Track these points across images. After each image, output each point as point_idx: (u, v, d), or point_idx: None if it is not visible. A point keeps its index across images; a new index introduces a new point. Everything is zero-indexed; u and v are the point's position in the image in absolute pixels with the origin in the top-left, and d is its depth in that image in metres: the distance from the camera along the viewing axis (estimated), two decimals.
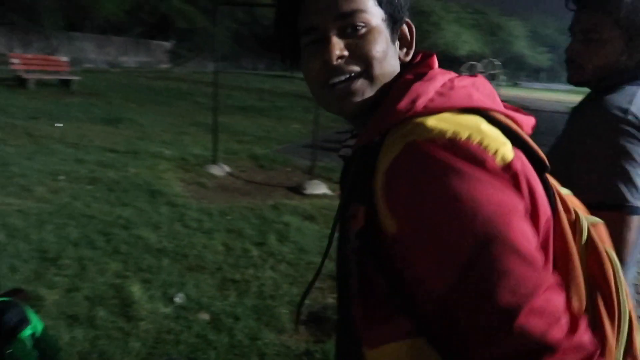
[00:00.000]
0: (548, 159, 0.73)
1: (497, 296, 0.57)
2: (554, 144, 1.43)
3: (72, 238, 3.72)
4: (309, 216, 4.67)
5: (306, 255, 3.78)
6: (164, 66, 28.03)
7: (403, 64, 0.80)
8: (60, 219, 4.08)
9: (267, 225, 4.35)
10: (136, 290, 3.02)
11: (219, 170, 6.18)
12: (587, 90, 1.41)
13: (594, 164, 1.16)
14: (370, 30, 0.73)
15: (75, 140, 7.27)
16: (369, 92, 0.74)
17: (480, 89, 0.72)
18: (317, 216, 4.69)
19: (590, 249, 0.72)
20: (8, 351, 1.25)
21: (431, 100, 0.67)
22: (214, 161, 6.34)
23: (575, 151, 1.23)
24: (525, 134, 0.71)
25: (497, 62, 24.55)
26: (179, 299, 3.01)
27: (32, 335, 1.37)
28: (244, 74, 28.29)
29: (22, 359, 1.27)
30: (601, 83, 1.29)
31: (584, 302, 0.68)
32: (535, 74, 62.72)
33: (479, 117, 0.67)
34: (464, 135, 0.62)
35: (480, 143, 0.62)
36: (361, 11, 0.72)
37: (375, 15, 0.74)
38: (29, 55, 13.92)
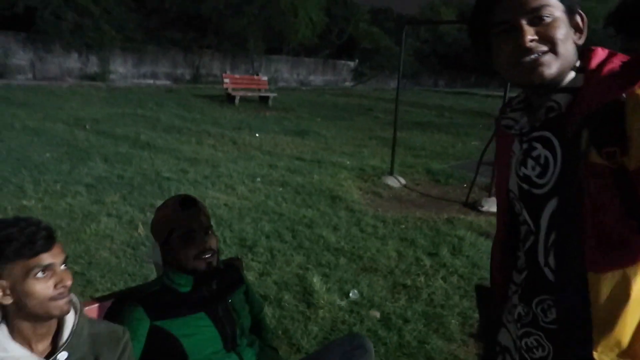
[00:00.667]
0: None
1: None
2: None
3: (265, 231, 4.24)
4: (484, 232, 4.53)
5: (479, 270, 3.68)
6: (348, 84, 29.63)
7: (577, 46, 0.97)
8: (257, 214, 4.68)
9: (441, 237, 4.34)
10: (316, 281, 3.32)
11: (395, 182, 6.35)
12: None
13: None
14: (555, 19, 0.92)
15: (270, 148, 8.20)
16: (554, 66, 0.92)
17: None
18: (492, 233, 4.50)
19: None
20: (229, 300, 1.56)
21: None
22: (391, 173, 6.54)
23: None
24: None
25: None
26: (353, 294, 3.21)
27: (245, 292, 1.67)
28: (424, 90, 28.31)
29: (238, 309, 1.57)
30: None
31: None
32: None
33: None
34: None
35: None
36: (547, 5, 0.92)
37: (557, 8, 0.92)
38: (237, 76, 16.13)
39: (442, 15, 35.75)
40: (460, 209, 5.38)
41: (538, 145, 0.98)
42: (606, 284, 0.89)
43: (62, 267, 1.13)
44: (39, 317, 1.11)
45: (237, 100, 13.74)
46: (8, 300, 1.07)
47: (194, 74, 21.73)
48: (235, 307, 1.56)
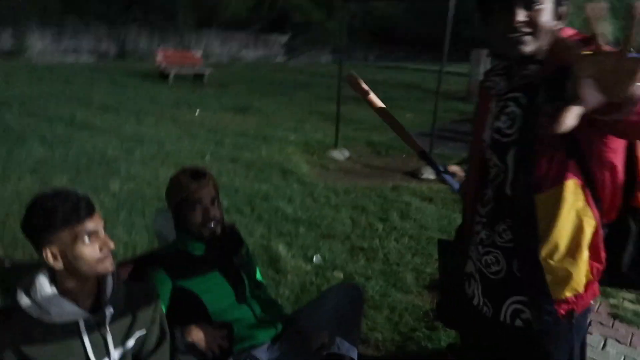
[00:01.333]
0: None
1: None
2: None
3: (224, 206, 4.36)
4: (427, 198, 4.94)
5: (426, 231, 4.07)
6: (280, 59, 29.45)
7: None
8: None
9: (389, 203, 4.69)
10: (281, 249, 3.54)
11: (340, 154, 6.64)
12: None
13: None
14: (543, 9, 1.12)
15: (213, 126, 8.19)
16: (532, 45, 1.15)
17: None
18: (435, 198, 4.93)
19: None
20: (235, 259, 1.75)
21: None
22: (335, 146, 6.82)
23: None
24: None
25: (633, 52, 22.28)
26: (316, 259, 3.48)
27: (246, 252, 1.87)
28: (357, 65, 28.77)
29: (243, 266, 1.77)
30: None
31: None
32: None
33: None
34: None
35: None
36: None
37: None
38: (170, 51, 15.64)
39: None
40: (402, 178, 5.76)
41: (511, 104, 1.25)
42: (545, 200, 1.20)
43: (103, 232, 1.27)
44: (87, 277, 1.25)
45: (171, 78, 13.39)
46: (59, 265, 1.21)
47: (119, 49, 20.74)
48: (241, 265, 1.77)
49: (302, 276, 3.24)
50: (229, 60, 25.05)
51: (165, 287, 1.57)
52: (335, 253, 3.59)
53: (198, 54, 15.43)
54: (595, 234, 1.23)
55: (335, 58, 31.49)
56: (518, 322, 1.34)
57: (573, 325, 1.28)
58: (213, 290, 1.65)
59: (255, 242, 3.69)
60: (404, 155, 6.87)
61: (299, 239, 3.80)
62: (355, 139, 7.77)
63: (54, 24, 17.93)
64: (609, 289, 3.07)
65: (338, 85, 6.88)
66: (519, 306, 1.32)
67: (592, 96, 0.84)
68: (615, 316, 2.93)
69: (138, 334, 1.37)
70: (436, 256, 3.71)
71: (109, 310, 1.30)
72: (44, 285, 1.23)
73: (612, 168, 1.19)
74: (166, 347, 1.42)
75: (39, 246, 1.21)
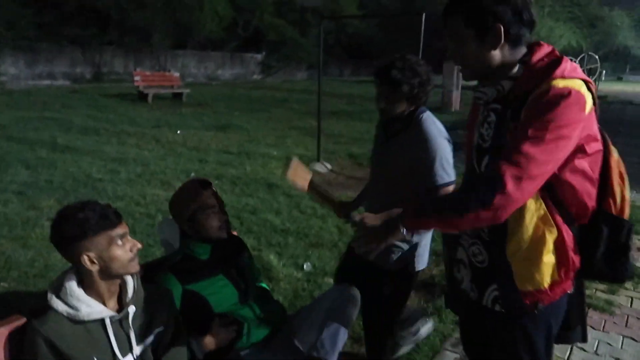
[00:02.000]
0: None
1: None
2: None
3: None
4: None
5: None
6: (256, 77, 29.68)
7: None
8: None
9: None
10: (273, 258, 3.67)
11: (322, 167, 6.81)
12: None
13: None
14: (461, 43, 1.38)
15: (195, 144, 8.29)
16: (467, 74, 1.43)
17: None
18: None
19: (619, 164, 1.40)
20: (239, 262, 1.89)
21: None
22: (318, 159, 6.99)
23: None
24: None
25: (595, 57, 23.24)
26: (307, 267, 3.61)
27: (249, 256, 2.01)
28: (332, 80, 29.18)
29: (246, 269, 1.90)
30: None
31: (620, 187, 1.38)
32: None
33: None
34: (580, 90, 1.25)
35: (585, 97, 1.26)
36: (453, 34, 1.37)
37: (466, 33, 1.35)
38: (148, 72, 15.71)
39: (343, 5, 36.77)
40: None
41: (491, 113, 1.42)
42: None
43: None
44: (118, 276, 1.38)
45: (150, 98, 13.44)
46: (95, 267, 1.34)
47: (95, 72, 20.65)
48: (244, 268, 1.90)
49: (294, 283, 3.37)
50: (206, 80, 25.17)
51: (175, 291, 1.69)
52: (324, 260, 3.73)
53: (175, 74, 15.51)
54: (558, 240, 1.37)
55: (310, 74, 31.94)
56: (497, 307, 1.50)
57: (537, 316, 1.42)
58: (218, 292, 1.78)
59: None
60: None
61: (288, 248, 3.94)
62: (336, 152, 7.96)
63: (28, 48, 17.81)
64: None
65: (318, 101, 7.09)
66: (497, 293, 1.49)
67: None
68: (589, 305, 3.13)
69: (156, 330, 1.49)
70: None
71: (132, 309, 1.42)
72: (73, 287, 1.36)
73: (582, 173, 1.33)
74: (183, 341, 1.54)
75: (74, 254, 1.34)
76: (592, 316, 3.02)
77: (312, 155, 7.30)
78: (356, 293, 1.86)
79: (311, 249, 3.94)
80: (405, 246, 2.04)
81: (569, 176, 1.32)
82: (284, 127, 10.59)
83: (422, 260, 2.15)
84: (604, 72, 28.85)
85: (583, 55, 23.57)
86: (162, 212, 4.68)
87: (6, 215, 4.56)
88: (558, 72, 1.28)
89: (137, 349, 1.44)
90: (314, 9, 32.48)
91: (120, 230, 1.37)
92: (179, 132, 9.34)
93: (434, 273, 3.63)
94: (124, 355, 1.40)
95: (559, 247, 1.36)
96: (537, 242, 1.36)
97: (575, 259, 1.40)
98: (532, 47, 1.37)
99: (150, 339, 1.48)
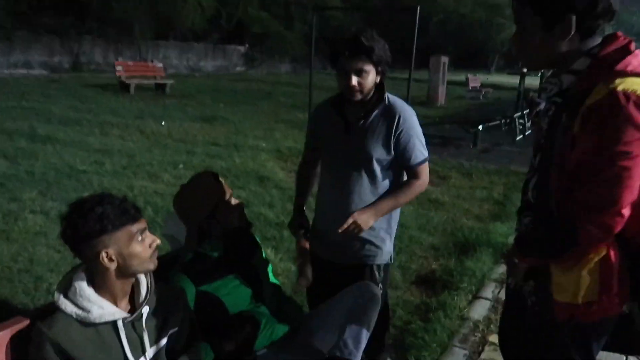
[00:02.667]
0: None
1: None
2: None
3: None
4: None
5: (407, 229, 4.19)
6: (239, 69, 29.34)
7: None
8: None
9: None
10: (269, 253, 3.56)
11: None
12: None
13: None
14: (528, 31, 1.30)
15: (181, 136, 8.10)
16: (525, 64, 1.41)
17: None
18: (413, 201, 5.06)
19: None
20: (252, 261, 1.78)
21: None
22: None
23: None
24: None
25: None
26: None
27: (262, 252, 1.90)
28: (316, 73, 29.05)
29: (260, 267, 1.80)
30: None
31: None
32: None
33: None
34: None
35: None
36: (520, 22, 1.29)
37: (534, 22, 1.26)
38: (130, 63, 15.34)
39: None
40: None
41: (552, 107, 1.32)
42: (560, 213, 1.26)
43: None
44: (135, 274, 1.27)
45: (132, 89, 13.12)
46: (113, 265, 1.22)
47: (73, 62, 20.11)
48: (258, 267, 1.80)
49: (292, 278, 3.27)
50: (188, 72, 24.77)
51: (189, 292, 1.58)
52: None
53: (159, 64, 15.18)
54: (603, 260, 1.25)
55: (294, 67, 31.72)
56: (529, 301, 1.44)
57: (570, 328, 1.34)
58: (232, 293, 1.67)
59: None
60: None
61: (284, 242, 3.83)
62: None
63: (3, 36, 17.23)
64: None
65: (310, 93, 6.98)
66: (532, 290, 1.43)
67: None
68: None
69: (171, 331, 1.38)
70: (419, 253, 3.84)
71: (145, 310, 1.31)
72: (83, 287, 1.24)
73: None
74: (198, 343, 1.44)
75: (92, 251, 1.22)
76: None
77: (301, 148, 7.16)
78: (377, 291, 1.77)
79: None
80: (373, 239, 1.97)
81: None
82: (271, 120, 10.44)
83: (387, 254, 2.07)
84: None
85: None
86: (151, 204, 4.53)
87: None
88: (620, 66, 1.16)
89: (150, 351, 1.33)
90: (297, 2, 32.25)
91: (141, 225, 1.27)
92: (163, 123, 9.12)
93: (434, 267, 3.58)
94: (136, 358, 1.29)
95: (603, 267, 1.26)
96: (580, 256, 1.26)
97: (621, 284, 1.28)
98: (606, 39, 1.25)
99: (164, 340, 1.37)
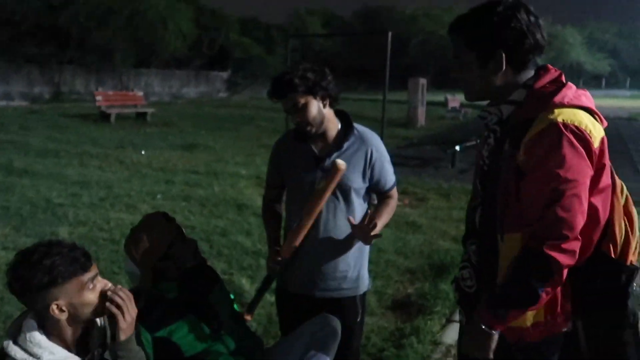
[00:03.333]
0: None
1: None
2: None
3: None
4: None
5: (385, 254, 4.21)
6: (222, 95, 29.50)
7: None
8: None
9: None
10: (244, 283, 3.56)
11: None
12: None
13: None
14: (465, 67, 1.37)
15: (161, 165, 8.09)
16: (469, 96, 1.41)
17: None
18: (389, 223, 5.10)
19: (627, 203, 1.32)
20: (210, 298, 1.77)
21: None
22: None
23: None
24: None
25: None
26: None
27: (221, 287, 1.89)
28: None
29: (219, 303, 1.78)
30: None
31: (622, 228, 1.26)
32: (595, 80, 60.20)
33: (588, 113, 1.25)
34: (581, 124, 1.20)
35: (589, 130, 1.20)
36: (458, 58, 1.35)
37: (470, 56, 1.33)
38: (110, 92, 15.35)
39: (309, 23, 37.18)
40: None
41: (491, 135, 1.38)
42: (510, 241, 1.27)
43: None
44: (87, 321, 1.27)
45: (112, 118, 13.10)
46: (64, 315, 1.22)
47: (54, 92, 20.07)
48: (215, 303, 1.79)
49: (267, 308, 3.26)
50: (171, 99, 24.84)
51: (146, 341, 1.56)
52: None
53: (139, 93, 15.21)
54: None
55: None
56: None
57: (520, 348, 1.36)
58: (188, 335, 1.65)
59: None
60: None
61: (260, 271, 3.82)
62: None
63: None
64: None
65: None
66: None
67: None
68: None
69: None
70: (395, 277, 3.86)
71: (98, 351, 1.30)
72: (34, 333, 1.23)
73: (593, 211, 1.24)
74: None
75: (41, 304, 1.21)
76: None
77: None
78: (337, 324, 1.78)
79: None
80: (345, 271, 1.97)
81: None
82: (253, 146, 10.48)
83: (365, 281, 2.08)
84: None
85: None
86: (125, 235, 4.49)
87: None
88: (558, 98, 1.23)
89: None
90: (279, 27, 32.66)
91: (92, 273, 1.27)
92: (143, 152, 9.10)
93: (409, 291, 3.60)
94: None
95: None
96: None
97: (564, 302, 1.32)
98: (539, 72, 1.32)
99: None
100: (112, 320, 1.30)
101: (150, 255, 1.66)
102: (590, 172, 1.21)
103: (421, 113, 15.69)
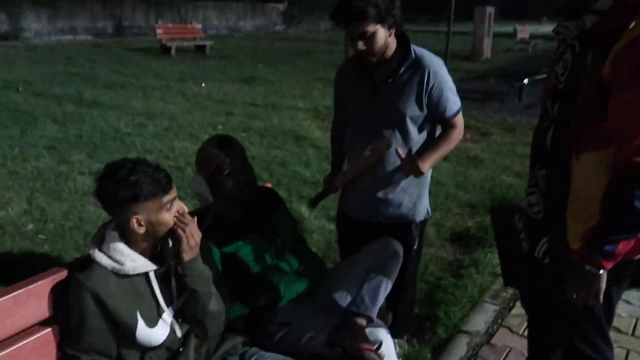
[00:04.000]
0: None
1: None
2: None
3: None
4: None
5: (443, 187, 4.15)
6: (278, 28, 28.99)
7: None
8: None
9: None
10: (304, 211, 3.63)
11: None
12: None
13: None
14: None
15: (221, 97, 8.20)
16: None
17: None
18: (449, 156, 4.97)
19: None
20: (273, 219, 1.82)
21: None
22: None
23: None
24: None
25: None
26: None
27: (284, 210, 1.93)
28: None
29: (281, 225, 1.83)
30: None
31: None
32: None
33: None
34: None
35: None
36: None
37: None
38: (170, 25, 15.47)
39: None
40: None
41: (568, 51, 1.27)
42: (586, 161, 1.21)
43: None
44: (161, 237, 1.34)
45: (173, 51, 13.28)
46: (141, 229, 1.29)
47: (116, 26, 20.44)
48: (279, 224, 1.83)
49: (326, 235, 3.34)
50: (228, 32, 24.74)
51: (215, 256, 1.63)
52: None
53: (197, 26, 15.22)
54: None
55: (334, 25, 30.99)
56: (547, 261, 1.41)
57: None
58: (253, 252, 1.71)
59: None
60: None
61: None
62: None
63: (48, 3, 17.66)
64: None
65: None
66: (547, 246, 1.40)
67: None
68: None
69: None
70: (455, 210, 3.81)
71: (174, 262, 1.38)
72: (116, 242, 1.32)
73: None
74: (225, 299, 1.50)
75: (123, 215, 1.29)
76: None
77: None
78: (399, 248, 1.78)
79: None
80: (402, 199, 1.96)
81: None
82: (310, 79, 10.37)
83: (423, 211, 2.07)
84: None
85: None
86: (191, 164, 4.65)
87: (39, 169, 4.61)
88: None
89: (177, 302, 1.41)
90: None
91: (171, 195, 1.32)
92: (203, 85, 9.24)
93: (469, 225, 3.55)
94: (166, 307, 1.38)
95: None
96: (597, 204, 1.21)
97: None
98: None
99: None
100: (177, 242, 1.36)
101: (219, 173, 1.70)
102: None
103: (487, 45, 14.79)
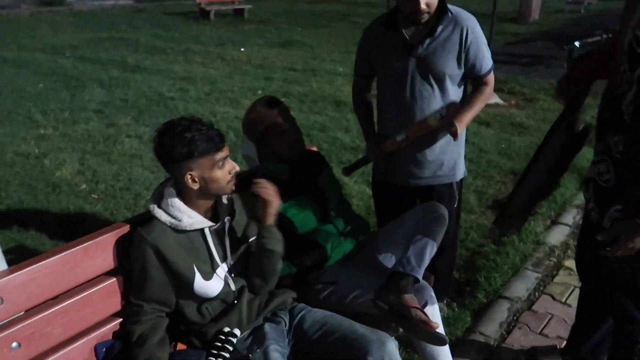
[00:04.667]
0: None
1: None
2: None
3: None
4: (485, 122, 4.88)
5: (485, 154, 4.08)
6: None
7: None
8: None
9: None
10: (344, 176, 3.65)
11: None
12: None
13: None
14: None
15: (260, 62, 8.21)
16: None
17: None
18: (492, 122, 4.88)
19: None
20: (319, 181, 1.85)
21: None
22: None
23: None
24: None
25: None
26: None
27: (329, 173, 1.97)
28: None
29: (327, 187, 1.87)
30: None
31: None
32: None
33: None
34: None
35: None
36: None
37: None
38: None
39: None
40: None
41: None
42: None
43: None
44: (214, 195, 1.42)
45: (212, 15, 13.29)
46: (196, 186, 1.36)
47: None
48: (324, 186, 1.87)
49: (366, 200, 3.36)
50: None
51: None
52: None
53: None
54: None
55: None
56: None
57: None
58: (301, 212, 1.76)
59: None
60: None
61: None
62: None
63: None
64: None
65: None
66: (619, 215, 1.35)
67: None
68: None
69: (250, 240, 1.53)
70: (497, 178, 3.75)
71: (227, 220, 1.45)
72: (174, 199, 1.39)
73: None
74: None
75: (178, 171, 1.35)
76: None
77: None
78: (444, 211, 1.79)
79: None
80: (442, 159, 1.97)
81: None
82: (348, 43, 10.18)
83: (462, 169, 2.09)
84: None
85: None
86: (233, 129, 4.74)
87: (89, 132, 4.80)
88: None
89: (231, 257, 1.48)
90: None
91: (223, 153, 1.38)
92: (242, 49, 9.26)
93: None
94: (221, 262, 1.45)
95: None
96: None
97: None
98: None
99: (243, 247, 1.51)
100: (259, 206, 1.48)
101: (250, 136, 1.74)
102: None
103: (535, 6, 14.06)
